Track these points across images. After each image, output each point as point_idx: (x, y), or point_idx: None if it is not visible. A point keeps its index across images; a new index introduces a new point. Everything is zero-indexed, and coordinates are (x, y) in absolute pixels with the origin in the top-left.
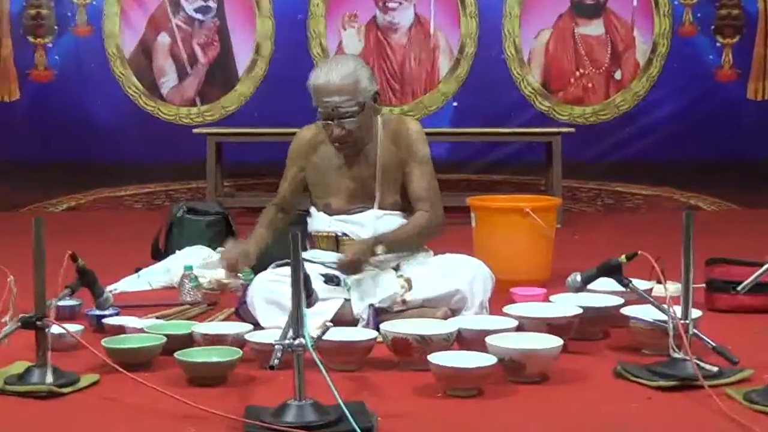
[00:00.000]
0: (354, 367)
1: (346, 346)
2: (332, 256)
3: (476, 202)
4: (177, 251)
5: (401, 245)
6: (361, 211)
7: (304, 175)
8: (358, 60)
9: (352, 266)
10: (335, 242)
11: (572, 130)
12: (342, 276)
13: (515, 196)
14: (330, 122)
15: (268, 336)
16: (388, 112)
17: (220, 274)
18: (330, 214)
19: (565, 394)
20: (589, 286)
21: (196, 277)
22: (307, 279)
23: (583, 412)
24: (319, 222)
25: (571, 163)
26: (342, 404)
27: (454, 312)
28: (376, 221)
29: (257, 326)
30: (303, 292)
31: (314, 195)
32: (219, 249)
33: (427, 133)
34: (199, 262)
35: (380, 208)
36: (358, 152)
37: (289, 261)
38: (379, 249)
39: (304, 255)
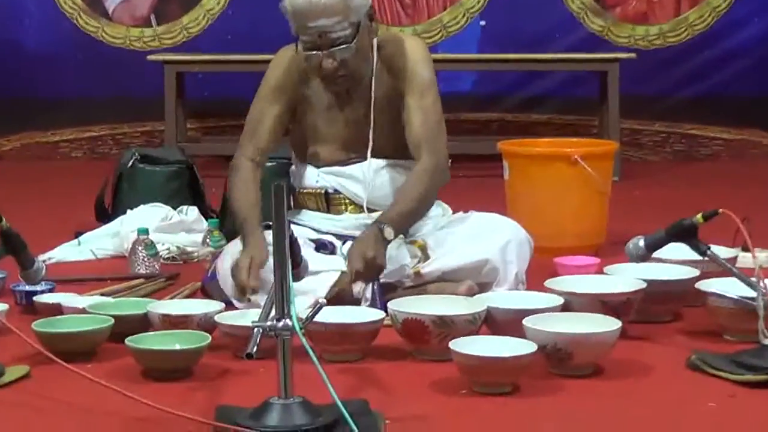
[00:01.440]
0: (355, 357)
1: (345, 331)
2: (322, 219)
3: (510, 148)
4: (128, 211)
5: (412, 217)
6: (356, 162)
7: (292, 115)
8: None
9: (368, 273)
10: (325, 201)
11: (633, 56)
12: (337, 243)
13: (560, 140)
14: (317, 53)
15: (244, 317)
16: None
17: (183, 239)
18: (318, 167)
19: (623, 391)
20: (655, 254)
21: (152, 244)
22: (294, 245)
23: (647, 413)
24: (304, 176)
25: (632, 99)
26: (339, 403)
27: (482, 287)
28: (373, 174)
29: (230, 305)
30: (288, 262)
31: (299, 142)
32: (180, 209)
33: (449, 61)
34: (155, 225)
35: (376, 156)
36: (350, 88)
37: (269, 223)
38: (388, 233)
39: (289, 216)
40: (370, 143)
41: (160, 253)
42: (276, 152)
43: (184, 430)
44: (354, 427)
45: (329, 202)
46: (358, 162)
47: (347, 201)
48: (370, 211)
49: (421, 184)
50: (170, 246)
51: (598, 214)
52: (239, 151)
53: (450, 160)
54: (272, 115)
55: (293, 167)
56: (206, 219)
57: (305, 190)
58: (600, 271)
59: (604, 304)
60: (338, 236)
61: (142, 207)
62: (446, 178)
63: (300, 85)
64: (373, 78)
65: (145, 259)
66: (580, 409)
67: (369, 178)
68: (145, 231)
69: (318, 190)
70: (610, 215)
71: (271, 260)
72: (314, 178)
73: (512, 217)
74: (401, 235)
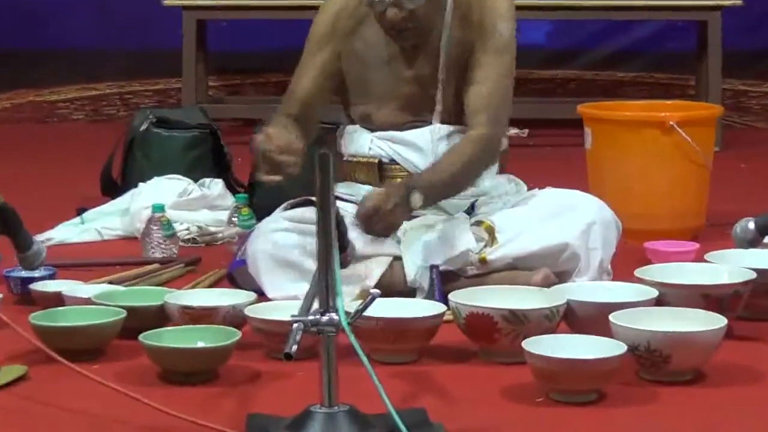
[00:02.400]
0: (411, 358)
1: (399, 327)
2: None
3: (593, 111)
4: (140, 184)
5: (446, 190)
6: (417, 126)
7: (340, 68)
8: None
9: (376, 225)
10: (378, 172)
11: (738, 2)
12: None
13: (652, 102)
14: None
15: (280, 310)
16: None
17: (205, 217)
18: (372, 130)
19: (729, 401)
20: (767, 239)
21: (169, 223)
22: (340, 225)
23: (758, 426)
24: (355, 141)
25: (736, 55)
26: (393, 413)
27: (561, 276)
28: (437, 142)
29: (262, 296)
30: (335, 246)
31: (350, 101)
32: (202, 181)
33: (518, 7)
34: (173, 200)
35: (444, 122)
36: (416, 41)
37: (309, 199)
38: (416, 199)
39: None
40: (438, 106)
41: (179, 234)
42: (320, 111)
43: None
44: None
45: (383, 173)
46: (420, 127)
47: (404, 173)
48: None
49: (466, 154)
50: (190, 225)
51: (697, 191)
52: (277, 109)
53: (523, 131)
54: (314, 66)
55: (342, 130)
56: (233, 194)
57: (355, 159)
58: (701, 259)
59: (706, 297)
60: None
61: (156, 179)
62: (495, 158)
63: (351, 34)
64: (444, 30)
65: (161, 241)
66: (678, 421)
67: (433, 146)
68: (161, 208)
69: (370, 159)
70: (712, 192)
71: (269, 243)
72: (366, 144)
73: (596, 194)
74: (465, 215)
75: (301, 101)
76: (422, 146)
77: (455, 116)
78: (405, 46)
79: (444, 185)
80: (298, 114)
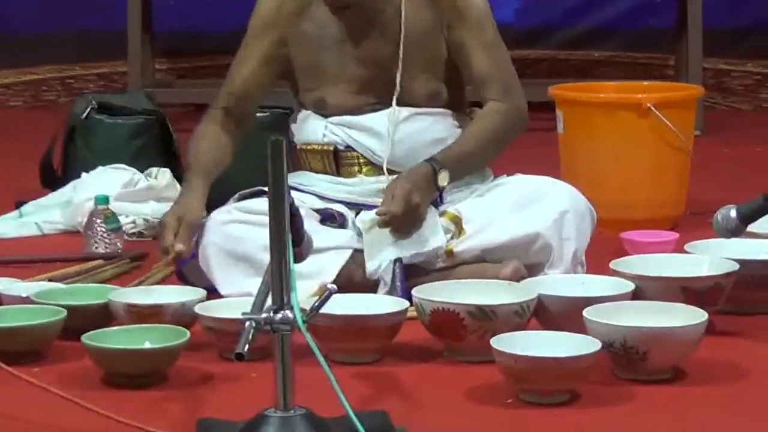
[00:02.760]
0: (372, 358)
1: (359, 325)
2: (330, 183)
3: (565, 94)
4: (82, 174)
5: (473, 163)
6: (374, 110)
7: (287, 54)
8: None
9: (405, 222)
10: (334, 160)
11: None
12: (348, 214)
13: (628, 83)
14: None
15: (233, 308)
16: None
17: (152, 209)
18: (326, 116)
19: (710, 400)
20: (750, 228)
21: (113, 215)
22: (294, 216)
23: (740, 427)
24: (307, 128)
25: (719, 32)
26: (353, 416)
27: (532, 269)
28: (398, 126)
29: (213, 293)
30: (289, 238)
31: (301, 86)
32: (149, 171)
33: None
34: (117, 191)
35: (403, 103)
36: (369, 18)
37: (262, 189)
38: (443, 178)
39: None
40: (398, 87)
41: (124, 228)
42: (261, 101)
43: None
44: None
45: (339, 161)
46: (378, 110)
47: (362, 160)
48: (391, 173)
49: (491, 124)
50: (136, 218)
51: (676, 178)
52: (213, 101)
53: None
54: (256, 55)
55: (294, 117)
56: (181, 184)
57: (308, 147)
58: (680, 250)
59: (685, 290)
60: (349, 205)
61: (100, 169)
62: (524, 124)
63: (298, 15)
64: (403, 5)
65: (105, 235)
66: (656, 422)
67: (391, 130)
68: (105, 199)
69: (325, 147)
70: (692, 179)
71: (219, 236)
72: (320, 130)
73: (568, 181)
74: (433, 208)
75: (237, 94)
76: (380, 131)
77: (418, 99)
78: (354, 22)
79: (469, 159)
80: (237, 110)
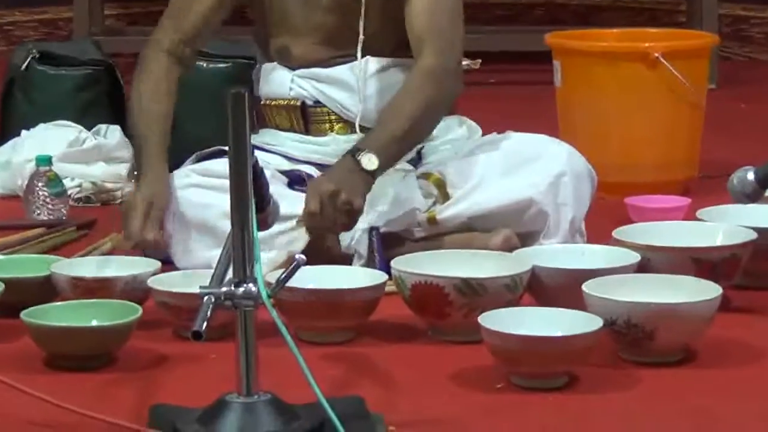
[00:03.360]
0: (346, 337)
1: (332, 300)
2: (298, 142)
3: (564, 42)
4: (22, 132)
5: (406, 140)
6: (344, 62)
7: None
8: None
9: (326, 219)
10: (302, 117)
11: None
12: (317, 175)
13: (634, 30)
14: None
15: (189, 281)
16: None
17: (101, 171)
18: (292, 68)
19: (722, 383)
20: None
21: (57, 178)
22: (258, 179)
23: (757, 412)
24: (273, 81)
25: None
26: (324, 402)
27: (525, 238)
28: (368, 80)
29: (169, 264)
30: (252, 204)
31: (263, 33)
32: (97, 128)
33: None
34: (62, 151)
35: (369, 54)
36: None
37: (221, 148)
38: (368, 161)
39: (253, 140)
40: (361, 36)
41: (69, 192)
42: (205, 46)
43: None
44: None
45: (307, 118)
46: (347, 62)
47: (332, 117)
48: (363, 130)
49: (420, 92)
50: (83, 181)
51: (687, 136)
52: (153, 36)
53: (475, 62)
54: None
55: (257, 69)
56: (133, 145)
57: (274, 102)
58: (691, 217)
59: (697, 262)
60: (320, 166)
61: (42, 126)
62: (458, 87)
63: None
64: None
65: (48, 200)
66: (663, 409)
67: (361, 84)
68: (47, 160)
69: (292, 102)
70: (705, 138)
71: (177, 203)
72: (286, 83)
73: (566, 140)
74: (411, 166)
75: (187, 37)
76: (351, 84)
77: (389, 49)
78: None
79: (401, 137)
80: (184, 50)
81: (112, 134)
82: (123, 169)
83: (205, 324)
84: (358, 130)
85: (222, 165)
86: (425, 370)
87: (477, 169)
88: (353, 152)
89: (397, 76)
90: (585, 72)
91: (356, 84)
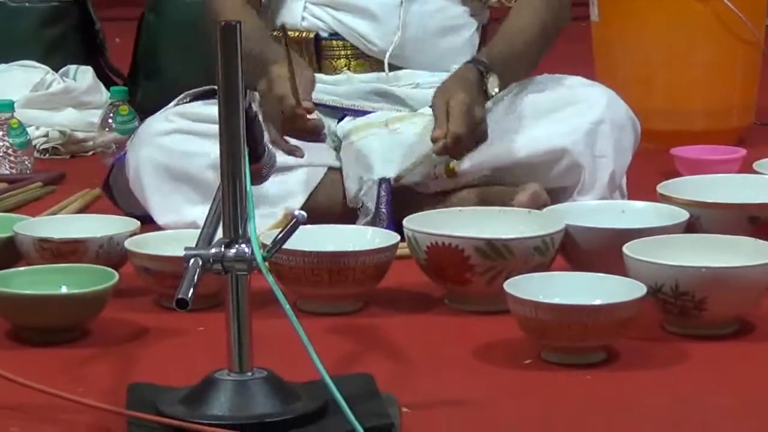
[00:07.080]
0: (353, 307)
1: (337, 264)
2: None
3: None
4: None
5: (520, 66)
6: None
7: None
8: None
9: (471, 142)
10: (314, 51)
11: None
12: (329, 120)
13: None
14: None
15: (172, 242)
16: None
17: (70, 118)
18: None
19: None
20: None
21: (20, 127)
22: (254, 125)
23: None
24: (284, 11)
25: None
26: (328, 380)
27: (557, 194)
28: (398, 8)
29: (149, 222)
30: (245, 153)
31: None
32: (65, 70)
33: None
34: (25, 96)
35: None
36: None
37: (213, 88)
38: (493, 83)
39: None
40: None
41: (34, 142)
42: None
43: (77, 422)
44: (353, 420)
45: (320, 52)
46: None
47: (349, 52)
48: (392, 69)
49: (536, 17)
50: (50, 130)
51: (743, 79)
52: None
53: None
54: None
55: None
56: (107, 87)
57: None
58: (747, 169)
59: (753, 220)
60: (329, 109)
61: (2, 67)
62: (569, 16)
63: None
64: None
65: (10, 152)
66: (714, 388)
67: (395, 11)
68: (9, 106)
69: (304, 34)
70: (763, 80)
71: (156, 151)
72: (298, 12)
73: (606, 83)
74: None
75: None
76: (377, 12)
77: None
78: None
79: (516, 62)
80: None
81: (82, 76)
82: (95, 116)
83: (191, 291)
84: (386, 68)
85: (210, 108)
86: (443, 344)
87: (502, 115)
88: (481, 70)
89: (433, 5)
90: (626, 5)
91: (386, 12)
